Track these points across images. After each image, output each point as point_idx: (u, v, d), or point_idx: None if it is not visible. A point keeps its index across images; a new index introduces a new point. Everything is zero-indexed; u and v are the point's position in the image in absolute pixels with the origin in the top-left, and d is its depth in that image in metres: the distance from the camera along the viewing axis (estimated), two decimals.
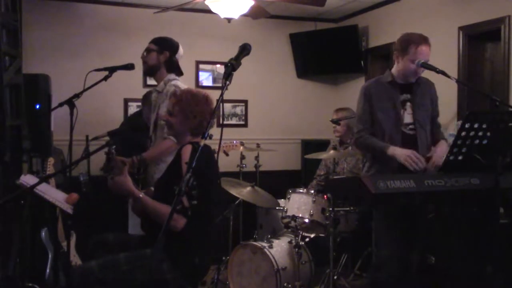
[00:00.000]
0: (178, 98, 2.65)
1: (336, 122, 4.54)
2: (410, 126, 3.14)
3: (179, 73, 3.50)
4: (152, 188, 2.81)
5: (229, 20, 4.30)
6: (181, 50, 3.51)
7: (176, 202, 1.82)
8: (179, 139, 2.74)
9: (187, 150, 2.46)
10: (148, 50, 3.45)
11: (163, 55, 3.42)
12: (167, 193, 2.48)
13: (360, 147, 3.27)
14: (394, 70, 3.18)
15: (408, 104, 3.15)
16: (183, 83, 3.47)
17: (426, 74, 3.16)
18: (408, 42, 3.06)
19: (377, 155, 3.12)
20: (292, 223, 3.93)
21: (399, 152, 2.96)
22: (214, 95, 2.19)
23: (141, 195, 2.48)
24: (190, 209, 2.31)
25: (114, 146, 2.51)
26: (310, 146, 5.76)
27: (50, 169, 3.92)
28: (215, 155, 2.49)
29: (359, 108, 3.23)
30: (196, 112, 2.59)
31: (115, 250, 2.59)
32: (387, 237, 3.10)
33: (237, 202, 4.30)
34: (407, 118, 3.14)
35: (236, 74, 2.08)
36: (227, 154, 4.51)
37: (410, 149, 3.00)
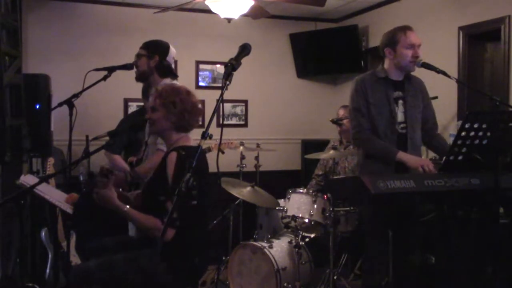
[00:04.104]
0: (158, 92, 2.62)
1: (336, 122, 4.53)
2: (402, 125, 3.10)
3: (173, 76, 3.40)
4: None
5: (229, 20, 4.30)
6: (172, 51, 3.42)
7: (172, 211, 1.83)
8: (164, 137, 2.69)
9: (172, 159, 2.43)
10: (138, 56, 3.38)
11: (153, 60, 3.31)
12: (152, 200, 2.49)
13: (360, 144, 3.20)
14: (387, 66, 3.14)
15: (400, 101, 3.11)
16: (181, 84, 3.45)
17: (426, 74, 3.15)
18: (394, 33, 3.08)
19: (379, 156, 3.07)
20: (292, 223, 3.92)
21: (411, 159, 2.93)
22: (214, 95, 2.19)
23: (125, 209, 2.45)
24: (178, 219, 2.31)
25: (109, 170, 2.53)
26: (310, 146, 5.76)
27: (50, 169, 3.93)
28: (215, 155, 2.49)
29: (355, 100, 3.13)
30: (177, 102, 2.55)
31: (113, 253, 2.59)
32: (381, 240, 3.08)
33: (237, 202, 4.30)
34: (399, 116, 3.10)
35: (236, 74, 2.08)
36: (223, 152, 4.49)
37: (401, 149, 3.00)
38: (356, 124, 3.13)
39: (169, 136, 2.63)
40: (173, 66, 3.45)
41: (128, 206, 2.48)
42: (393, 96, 3.11)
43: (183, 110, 2.55)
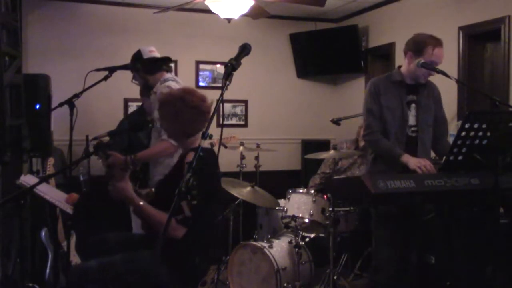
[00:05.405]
0: (160, 102, 2.66)
1: (336, 122, 4.54)
2: (413, 128, 3.13)
3: (163, 65, 3.54)
4: (154, 189, 2.81)
5: (229, 20, 4.29)
6: (143, 49, 3.57)
7: (173, 209, 1.84)
8: (178, 142, 2.73)
9: (190, 158, 2.44)
10: (133, 78, 3.67)
11: (139, 70, 3.53)
12: (167, 198, 2.49)
13: (369, 145, 3.23)
14: (404, 69, 3.15)
15: (413, 105, 3.14)
16: (182, 82, 3.46)
17: None
18: (425, 43, 3.02)
19: (386, 157, 3.09)
20: (292, 223, 3.92)
21: (411, 161, 2.93)
22: (214, 95, 2.19)
23: (141, 203, 2.46)
24: (191, 218, 2.30)
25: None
26: (310, 146, 5.77)
27: (50, 169, 3.93)
28: (216, 155, 2.49)
29: (368, 102, 3.16)
30: (165, 115, 2.57)
31: (115, 249, 2.59)
32: (387, 238, 3.10)
33: (237, 202, 4.30)
34: (411, 119, 3.13)
35: (236, 74, 2.08)
36: (225, 147, 4.54)
37: (411, 152, 3.01)
38: (367, 126, 3.17)
39: (181, 141, 2.67)
40: (154, 54, 3.59)
41: (142, 201, 2.49)
42: (407, 99, 3.13)
43: (172, 121, 2.56)
